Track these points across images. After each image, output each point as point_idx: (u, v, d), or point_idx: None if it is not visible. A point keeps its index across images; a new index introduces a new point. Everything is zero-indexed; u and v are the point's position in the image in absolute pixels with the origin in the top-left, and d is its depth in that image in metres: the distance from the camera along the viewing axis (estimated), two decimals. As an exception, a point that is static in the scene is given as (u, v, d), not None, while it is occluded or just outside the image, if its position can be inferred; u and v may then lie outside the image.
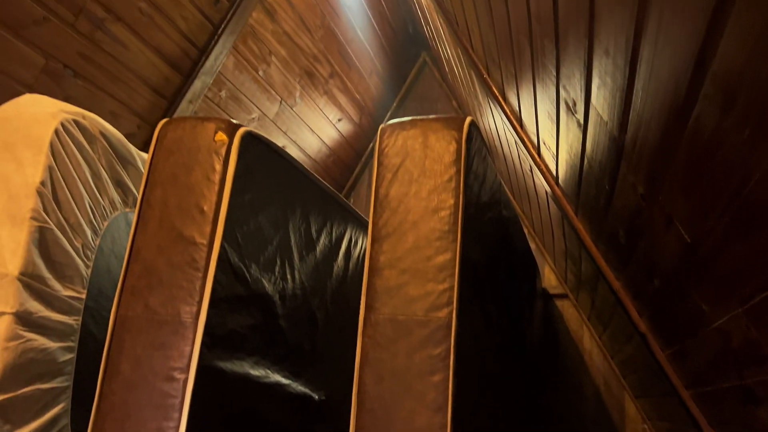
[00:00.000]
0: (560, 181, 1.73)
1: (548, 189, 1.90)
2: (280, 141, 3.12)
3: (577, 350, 3.23)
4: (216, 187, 1.29)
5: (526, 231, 3.26)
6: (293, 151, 3.27)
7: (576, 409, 3.15)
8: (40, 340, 1.32)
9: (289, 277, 1.57)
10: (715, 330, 1.07)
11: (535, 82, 1.39)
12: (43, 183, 1.36)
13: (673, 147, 0.81)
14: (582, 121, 1.17)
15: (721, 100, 0.62)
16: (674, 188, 0.91)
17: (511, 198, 3.32)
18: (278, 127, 3.07)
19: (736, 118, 0.61)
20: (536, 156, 1.86)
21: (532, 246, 3.28)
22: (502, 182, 1.79)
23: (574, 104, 1.16)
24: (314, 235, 1.74)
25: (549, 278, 3.39)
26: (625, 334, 2.04)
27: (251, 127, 1.37)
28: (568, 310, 3.31)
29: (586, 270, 2.15)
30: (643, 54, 0.74)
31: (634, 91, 0.83)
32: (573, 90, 1.13)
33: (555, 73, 1.19)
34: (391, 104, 3.97)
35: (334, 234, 1.89)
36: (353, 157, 3.90)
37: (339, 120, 3.52)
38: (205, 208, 1.28)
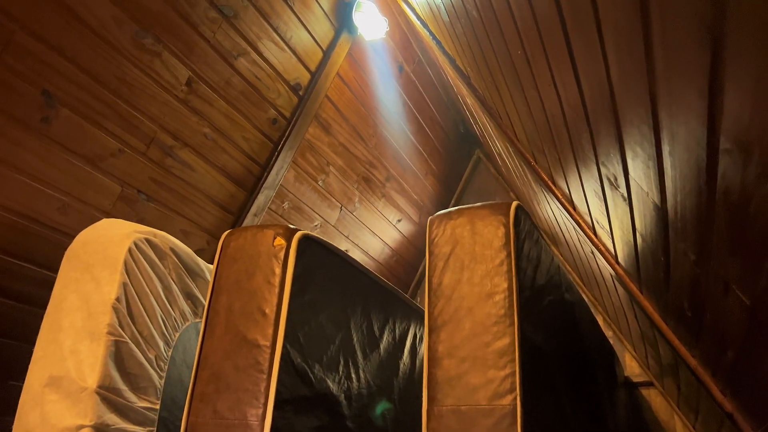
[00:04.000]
0: (620, 259, 1.71)
1: (611, 270, 1.86)
2: (342, 245, 3.21)
3: (671, 442, 3.00)
4: (276, 290, 1.34)
5: (601, 319, 3.15)
6: (356, 254, 3.34)
7: None
8: (117, 452, 1.36)
9: (353, 376, 1.57)
10: (798, 399, 1.01)
11: (578, 163, 1.42)
12: (118, 299, 1.45)
13: (710, 208, 0.81)
14: (626, 195, 1.18)
15: (740, 153, 0.63)
16: (722, 251, 0.89)
17: (580, 283, 3.25)
18: (340, 232, 3.17)
19: (757, 169, 0.62)
20: (593, 237, 1.85)
21: (609, 334, 3.15)
22: (562, 265, 1.77)
23: (616, 179, 1.17)
24: (377, 332, 1.75)
25: (631, 366, 3.22)
26: (716, 418, 1.90)
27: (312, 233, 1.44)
28: (655, 399, 3.11)
29: (663, 351, 2.05)
30: (662, 120, 0.76)
31: (663, 157, 0.85)
32: (612, 165, 1.14)
33: (593, 152, 1.22)
34: (450, 201, 4.04)
35: (397, 331, 1.89)
36: (416, 255, 3.94)
37: (399, 221, 3.60)
38: (267, 310, 1.33)
